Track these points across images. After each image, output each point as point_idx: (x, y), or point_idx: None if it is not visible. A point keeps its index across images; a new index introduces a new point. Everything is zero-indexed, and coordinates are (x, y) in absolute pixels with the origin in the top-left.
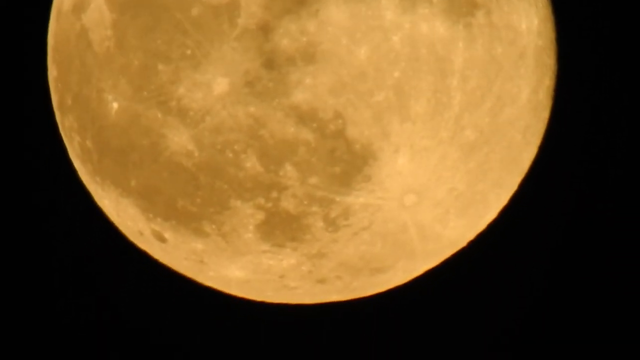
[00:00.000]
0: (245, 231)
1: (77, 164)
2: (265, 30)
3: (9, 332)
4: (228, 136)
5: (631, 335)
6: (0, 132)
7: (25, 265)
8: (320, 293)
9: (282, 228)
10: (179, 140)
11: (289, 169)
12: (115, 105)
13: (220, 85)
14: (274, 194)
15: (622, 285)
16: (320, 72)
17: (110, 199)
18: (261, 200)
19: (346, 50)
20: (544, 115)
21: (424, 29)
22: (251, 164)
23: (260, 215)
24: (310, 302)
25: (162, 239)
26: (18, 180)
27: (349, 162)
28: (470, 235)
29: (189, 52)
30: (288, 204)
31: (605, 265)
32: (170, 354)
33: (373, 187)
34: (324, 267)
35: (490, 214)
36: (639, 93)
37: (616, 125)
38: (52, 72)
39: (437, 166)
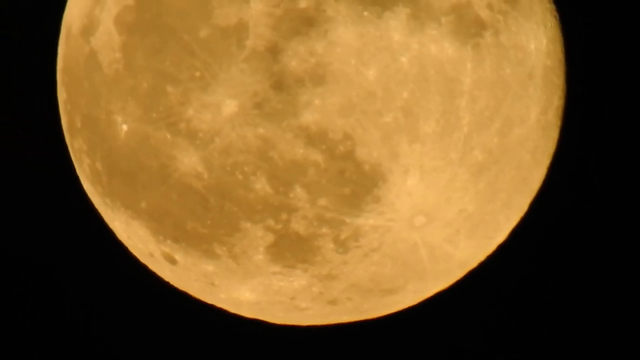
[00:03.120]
0: (255, 253)
1: (86, 186)
2: (273, 51)
3: (22, 355)
4: (237, 158)
5: None
6: (10, 155)
7: (36, 288)
8: (331, 314)
9: (292, 250)
10: (189, 161)
11: (298, 191)
12: (124, 127)
13: (229, 106)
14: (284, 216)
15: (635, 304)
16: (329, 93)
17: (121, 220)
18: (271, 222)
19: (355, 71)
20: (553, 135)
21: (433, 50)
22: (261, 185)
23: (271, 237)
24: (321, 324)
25: (173, 261)
26: (28, 202)
27: (358, 183)
28: (481, 256)
29: (197, 73)
30: (298, 225)
31: (618, 285)
32: None
33: (383, 209)
34: (334, 288)
35: (500, 235)
36: None
37: (626, 144)
38: (62, 95)
39: (446, 187)
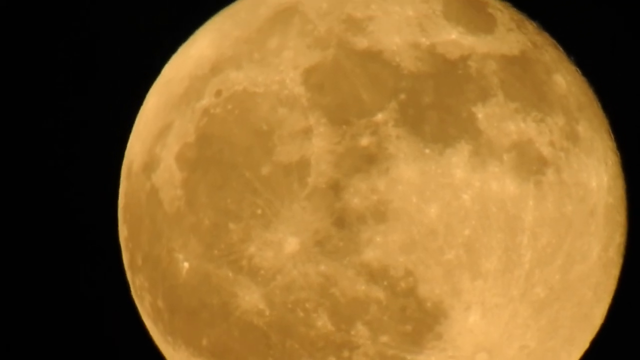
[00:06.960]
0: None
1: (148, 324)
2: (335, 189)
3: None
4: (299, 295)
5: None
6: (72, 292)
7: None
8: None
9: None
10: (250, 299)
11: (360, 328)
12: (186, 264)
13: (291, 244)
14: (346, 353)
15: None
16: (390, 230)
17: (182, 358)
18: (332, 359)
19: (416, 209)
20: (615, 272)
21: (494, 187)
22: (322, 322)
23: None
24: None
25: None
26: (91, 341)
27: (420, 321)
28: None
29: (259, 211)
30: None
31: None
32: None
33: (444, 346)
34: None
35: None
36: None
37: None
38: (123, 232)
39: (508, 324)
